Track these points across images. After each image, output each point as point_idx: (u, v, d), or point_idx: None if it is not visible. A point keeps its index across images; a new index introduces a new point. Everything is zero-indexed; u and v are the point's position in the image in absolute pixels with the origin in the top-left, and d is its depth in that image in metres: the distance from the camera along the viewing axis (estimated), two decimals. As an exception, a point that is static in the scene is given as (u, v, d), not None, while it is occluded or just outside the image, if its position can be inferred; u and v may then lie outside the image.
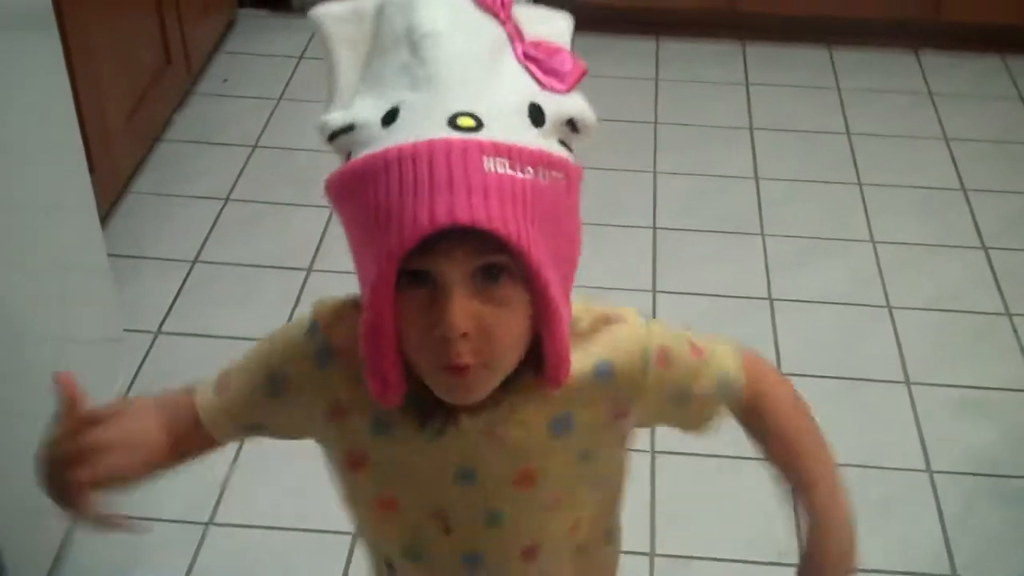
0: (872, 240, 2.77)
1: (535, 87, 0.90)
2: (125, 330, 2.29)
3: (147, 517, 2.03)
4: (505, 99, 0.87)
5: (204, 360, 2.33)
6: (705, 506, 2.11)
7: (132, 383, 2.28)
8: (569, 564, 1.13)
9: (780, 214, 2.85)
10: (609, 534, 1.18)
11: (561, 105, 0.90)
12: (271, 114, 3.12)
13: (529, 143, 0.86)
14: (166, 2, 2.86)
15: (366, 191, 0.85)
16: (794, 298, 2.58)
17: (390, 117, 0.87)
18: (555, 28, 0.95)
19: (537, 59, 0.91)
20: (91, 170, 2.39)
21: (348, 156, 0.90)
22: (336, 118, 0.90)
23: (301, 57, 3.36)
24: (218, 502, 2.06)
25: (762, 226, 2.81)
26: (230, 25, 3.44)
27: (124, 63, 2.64)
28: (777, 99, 3.31)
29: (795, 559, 1.11)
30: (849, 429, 2.26)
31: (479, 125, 0.84)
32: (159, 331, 2.42)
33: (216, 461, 2.10)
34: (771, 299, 2.58)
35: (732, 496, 2.10)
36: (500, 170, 0.83)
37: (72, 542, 1.95)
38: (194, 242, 2.66)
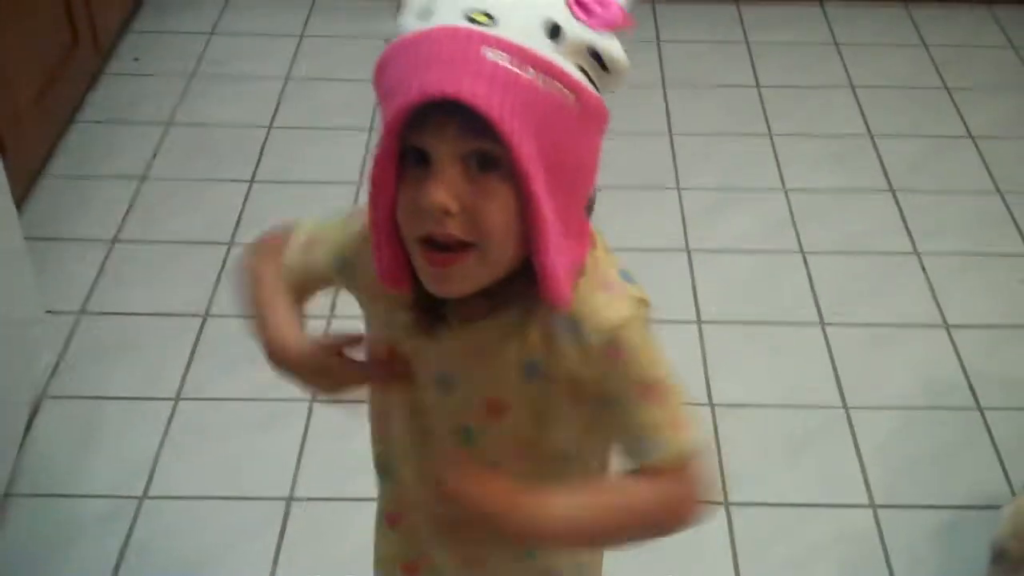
0: (784, 188, 2.83)
1: (565, 11, 0.92)
2: (48, 312, 2.29)
3: (79, 494, 2.04)
4: (525, 6, 0.91)
5: (128, 338, 2.37)
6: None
7: (57, 363, 2.28)
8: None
9: (695, 168, 2.90)
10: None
11: (585, 33, 0.92)
12: (184, 91, 3.10)
13: (537, 48, 0.89)
14: (71, -18, 2.83)
15: (387, 71, 0.92)
16: (711, 248, 2.64)
17: (426, 14, 0.91)
18: None
19: None
20: (2, 153, 2.38)
21: None
22: (390, 28, 0.95)
23: (212, 33, 3.35)
24: (151, 476, 2.07)
25: (678, 180, 2.86)
26: (138, 4, 3.41)
27: (30, 46, 2.61)
28: (688, 55, 3.36)
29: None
30: (768, 370, 2.33)
31: (492, 22, 0.89)
32: (82, 311, 2.41)
33: (145, 436, 2.14)
34: (688, 250, 2.63)
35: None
36: (499, 61, 0.87)
37: (4, 521, 1.96)
38: (113, 222, 2.65)
